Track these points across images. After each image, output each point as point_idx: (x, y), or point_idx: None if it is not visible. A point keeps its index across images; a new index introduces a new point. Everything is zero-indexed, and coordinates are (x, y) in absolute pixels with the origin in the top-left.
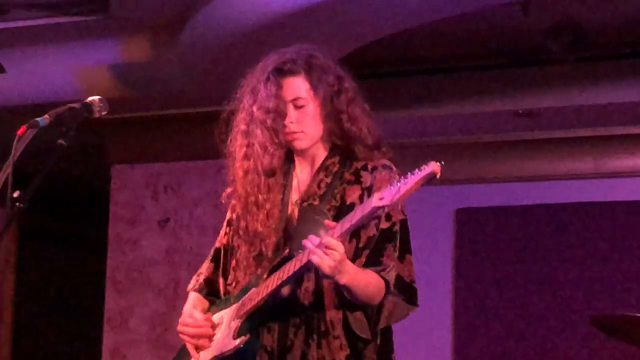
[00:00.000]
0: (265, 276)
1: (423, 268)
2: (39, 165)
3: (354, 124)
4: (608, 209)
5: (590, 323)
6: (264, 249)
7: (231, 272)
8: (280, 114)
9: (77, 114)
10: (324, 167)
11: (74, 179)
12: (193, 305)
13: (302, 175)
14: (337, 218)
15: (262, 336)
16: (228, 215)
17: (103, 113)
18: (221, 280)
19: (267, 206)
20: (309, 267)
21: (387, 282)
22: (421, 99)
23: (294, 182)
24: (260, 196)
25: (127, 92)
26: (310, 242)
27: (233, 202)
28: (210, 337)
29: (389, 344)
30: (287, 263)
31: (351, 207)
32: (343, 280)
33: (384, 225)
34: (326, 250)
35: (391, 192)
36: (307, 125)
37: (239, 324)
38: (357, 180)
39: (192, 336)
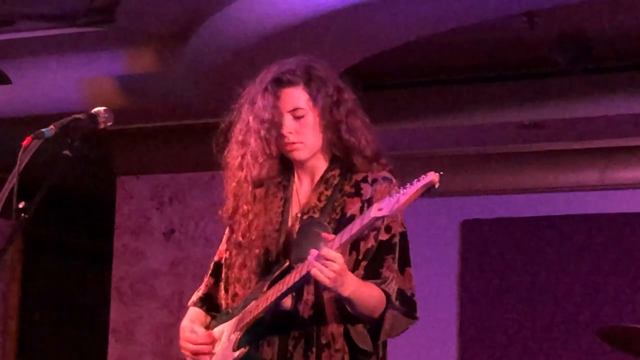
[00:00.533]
0: (265, 289)
1: (428, 279)
2: (44, 176)
3: (352, 134)
4: (614, 221)
5: (596, 335)
6: (248, 262)
7: (231, 285)
8: (274, 125)
9: (83, 125)
10: (324, 180)
11: (79, 190)
12: (191, 319)
13: (302, 188)
14: (337, 231)
15: (262, 349)
16: (227, 228)
17: (108, 124)
18: (222, 294)
19: (250, 217)
20: (308, 279)
21: (388, 295)
22: (427, 110)
23: (294, 195)
24: (245, 206)
25: (132, 103)
26: (310, 255)
27: (228, 214)
28: (210, 354)
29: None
30: (286, 275)
31: (351, 219)
32: (346, 292)
33: (383, 237)
34: (325, 262)
35: (390, 202)
36: (306, 135)
37: (239, 337)
38: (357, 193)
39: (193, 352)
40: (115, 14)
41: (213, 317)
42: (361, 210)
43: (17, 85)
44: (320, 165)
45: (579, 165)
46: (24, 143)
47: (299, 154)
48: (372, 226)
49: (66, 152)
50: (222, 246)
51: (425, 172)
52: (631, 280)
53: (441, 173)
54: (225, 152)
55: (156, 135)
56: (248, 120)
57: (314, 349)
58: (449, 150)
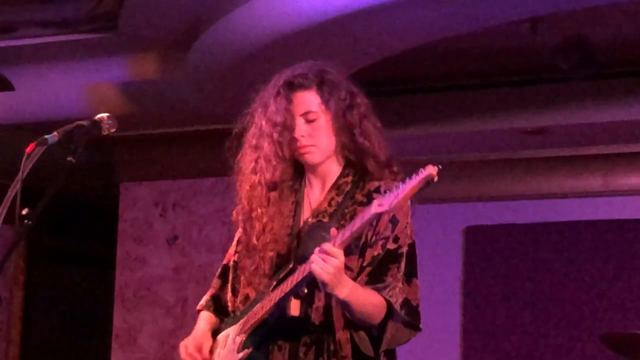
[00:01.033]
0: (269, 291)
1: (432, 286)
2: (48, 182)
3: (366, 138)
4: (617, 227)
5: (600, 341)
6: (262, 265)
7: (241, 289)
8: (287, 128)
9: (86, 132)
10: (336, 186)
11: (83, 197)
12: (205, 325)
13: (313, 192)
14: None
15: (272, 354)
16: (238, 232)
17: (112, 130)
18: (229, 297)
19: (264, 219)
20: (310, 278)
21: (390, 303)
22: (430, 116)
23: (306, 199)
24: (259, 209)
25: (136, 109)
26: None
27: (241, 217)
28: None
29: None
30: (290, 276)
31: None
32: (342, 294)
33: (391, 246)
34: (325, 257)
35: (389, 197)
36: (319, 139)
37: (244, 339)
38: (369, 203)
39: None
40: (118, 20)
41: (221, 321)
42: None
43: (20, 91)
44: (333, 169)
45: (583, 171)
46: (27, 149)
47: (312, 157)
48: (373, 221)
49: (69, 158)
50: (232, 249)
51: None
52: (635, 286)
53: (439, 166)
54: (239, 156)
55: (159, 142)
56: (261, 124)
57: (325, 356)
58: (452, 156)
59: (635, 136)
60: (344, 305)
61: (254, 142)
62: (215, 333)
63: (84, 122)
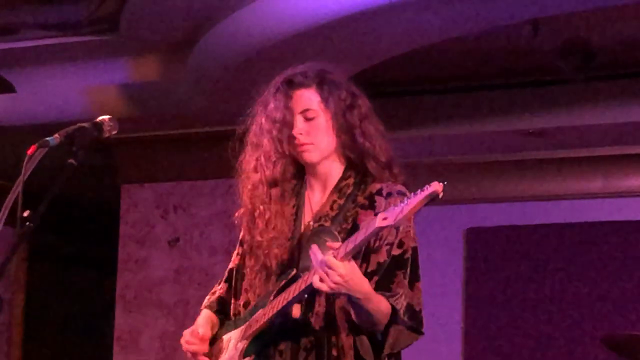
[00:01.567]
0: (272, 297)
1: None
2: (49, 185)
3: (367, 139)
4: (618, 229)
5: (601, 342)
6: (268, 262)
7: (243, 293)
8: (286, 125)
9: (87, 134)
10: (338, 189)
11: (84, 199)
12: (204, 320)
13: (314, 195)
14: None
15: (273, 359)
16: (241, 234)
17: (113, 132)
18: (232, 301)
19: (267, 215)
20: (313, 288)
21: (395, 310)
22: (431, 118)
23: (307, 203)
24: (261, 206)
25: (137, 111)
26: (314, 252)
27: (244, 217)
28: (204, 353)
29: None
30: (293, 284)
31: None
32: (358, 294)
33: (396, 252)
34: (327, 270)
35: (395, 212)
36: (317, 137)
37: (246, 345)
38: (371, 205)
39: (190, 352)
40: (119, 22)
41: (222, 323)
42: None
43: (21, 93)
44: (334, 170)
45: (583, 172)
46: (29, 151)
47: (309, 156)
48: (376, 235)
49: (71, 160)
50: (235, 252)
51: (429, 181)
52: (636, 287)
53: (445, 183)
54: (241, 157)
55: (161, 144)
56: (261, 122)
57: None
58: (453, 158)
59: (635, 138)
60: (357, 306)
61: (254, 140)
62: (215, 334)
63: (86, 124)
